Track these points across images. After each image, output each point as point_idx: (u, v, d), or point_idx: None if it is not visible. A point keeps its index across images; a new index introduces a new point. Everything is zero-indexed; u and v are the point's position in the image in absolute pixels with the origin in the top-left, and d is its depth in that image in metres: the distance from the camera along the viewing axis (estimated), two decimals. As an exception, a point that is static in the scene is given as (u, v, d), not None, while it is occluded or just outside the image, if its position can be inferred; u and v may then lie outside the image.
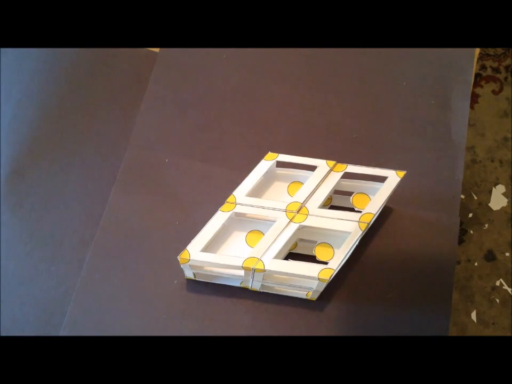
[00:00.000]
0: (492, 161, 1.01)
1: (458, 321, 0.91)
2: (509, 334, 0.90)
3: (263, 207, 0.43)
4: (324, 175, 0.44)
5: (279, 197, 0.46)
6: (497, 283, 0.93)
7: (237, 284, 0.45)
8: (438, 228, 0.48)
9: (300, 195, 0.43)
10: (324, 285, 0.41)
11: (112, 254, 0.46)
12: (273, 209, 0.43)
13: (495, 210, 0.98)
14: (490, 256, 0.95)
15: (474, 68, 0.55)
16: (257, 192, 0.45)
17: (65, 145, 0.50)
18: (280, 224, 0.42)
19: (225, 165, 0.50)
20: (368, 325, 0.44)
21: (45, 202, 0.48)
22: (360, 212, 0.43)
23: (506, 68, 1.07)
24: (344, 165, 0.45)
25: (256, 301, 0.45)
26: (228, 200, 0.43)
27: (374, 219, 0.43)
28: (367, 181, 0.45)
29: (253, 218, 0.44)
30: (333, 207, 0.48)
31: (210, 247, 0.43)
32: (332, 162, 0.45)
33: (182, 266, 0.42)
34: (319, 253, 0.44)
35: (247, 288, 0.45)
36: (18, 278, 0.45)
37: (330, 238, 0.44)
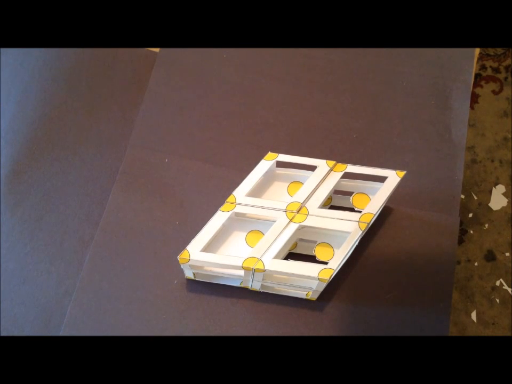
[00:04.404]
0: (492, 161, 1.01)
1: (458, 321, 0.91)
2: (509, 334, 0.90)
3: (263, 207, 0.43)
4: (324, 175, 0.44)
5: (279, 197, 0.46)
6: (497, 283, 0.93)
7: (237, 284, 0.45)
8: (438, 228, 0.48)
9: (300, 195, 0.43)
10: (324, 285, 0.41)
11: (112, 254, 0.46)
12: (273, 209, 0.43)
13: (495, 210, 0.98)
14: (490, 256, 0.95)
15: (474, 68, 0.55)
16: (257, 192, 0.45)
17: (65, 145, 0.50)
18: (280, 224, 0.42)
19: (225, 165, 0.50)
20: (368, 325, 0.44)
21: (45, 202, 0.48)
22: (360, 212, 0.43)
23: (506, 68, 1.07)
24: (344, 165, 0.45)
25: (256, 301, 0.45)
26: (227, 200, 0.43)
27: (374, 219, 0.43)
28: (367, 181, 0.45)
29: (253, 218, 0.44)
30: (333, 207, 0.48)
31: (210, 247, 0.43)
32: (332, 162, 0.45)
33: (182, 266, 0.42)
34: (319, 253, 0.44)
35: (247, 288, 0.45)
36: (18, 278, 0.46)
37: (330, 238, 0.44)
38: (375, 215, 0.43)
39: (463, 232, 0.97)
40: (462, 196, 0.98)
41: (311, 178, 0.44)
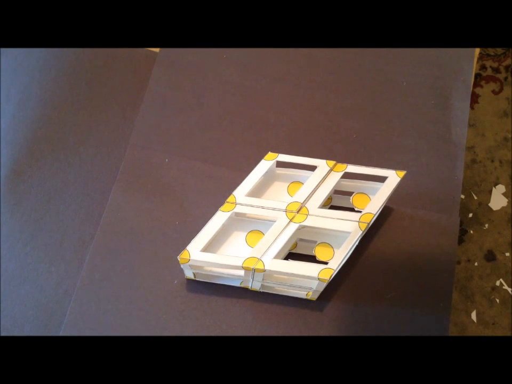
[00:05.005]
0: (492, 161, 1.01)
1: (458, 321, 0.91)
2: (509, 334, 0.90)
3: (263, 207, 0.43)
4: (324, 175, 0.44)
5: (279, 197, 0.46)
6: (497, 283, 0.93)
7: (237, 284, 0.45)
8: (438, 228, 0.48)
9: (300, 195, 0.43)
10: (324, 285, 0.41)
11: (112, 254, 0.46)
12: (273, 209, 0.43)
13: (495, 210, 0.98)
14: (490, 256, 0.95)
15: (474, 68, 0.55)
16: (257, 192, 0.45)
17: (65, 145, 0.50)
18: (280, 224, 0.42)
19: (225, 165, 0.50)
20: (368, 325, 0.44)
21: (45, 202, 0.48)
22: (360, 212, 0.43)
23: (506, 68, 1.07)
24: (344, 165, 0.45)
25: (256, 301, 0.45)
26: (227, 200, 0.43)
27: (374, 219, 0.43)
28: (367, 181, 0.45)
29: (253, 218, 0.44)
30: (333, 207, 0.48)
31: (210, 247, 0.43)
32: (332, 162, 0.45)
33: (182, 266, 0.42)
34: (319, 253, 0.44)
35: (247, 288, 0.45)
36: (18, 278, 0.45)
37: (330, 238, 0.44)
38: (375, 215, 0.43)
39: (463, 232, 0.97)
40: (462, 196, 0.98)
41: (311, 178, 0.44)
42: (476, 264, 0.95)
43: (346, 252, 0.41)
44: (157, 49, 0.54)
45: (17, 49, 0.53)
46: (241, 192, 0.44)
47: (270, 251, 0.41)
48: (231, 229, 0.44)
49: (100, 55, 0.54)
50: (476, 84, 1.06)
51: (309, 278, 0.40)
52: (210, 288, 0.45)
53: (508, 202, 0.98)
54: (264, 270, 0.40)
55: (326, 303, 0.45)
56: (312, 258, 0.43)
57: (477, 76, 1.06)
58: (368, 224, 0.42)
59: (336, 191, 0.46)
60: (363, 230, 0.42)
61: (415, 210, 0.49)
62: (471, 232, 0.96)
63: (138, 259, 0.46)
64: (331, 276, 0.40)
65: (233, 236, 0.44)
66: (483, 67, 1.07)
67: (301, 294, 0.44)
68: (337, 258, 0.41)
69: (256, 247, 0.41)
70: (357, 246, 0.42)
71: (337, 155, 0.51)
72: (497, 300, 0.92)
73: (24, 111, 0.51)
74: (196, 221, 0.47)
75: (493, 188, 0.99)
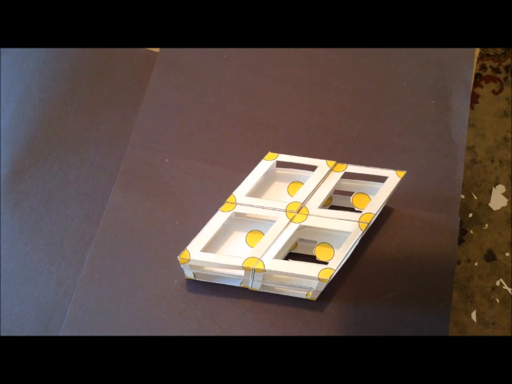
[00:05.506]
0: (492, 161, 1.01)
1: (458, 321, 0.91)
2: (509, 334, 0.90)
3: (263, 207, 0.43)
4: (324, 175, 0.44)
5: (279, 197, 0.46)
6: (497, 283, 0.93)
7: (237, 284, 0.45)
8: (438, 228, 0.48)
9: (300, 195, 0.43)
10: (324, 285, 0.41)
11: (112, 254, 0.46)
12: (273, 209, 0.43)
13: (495, 210, 0.98)
14: (490, 256, 0.95)
15: (474, 68, 0.55)
16: (257, 192, 0.45)
17: (65, 145, 0.50)
18: (280, 224, 0.42)
19: (225, 165, 0.50)
20: (368, 325, 0.44)
21: (45, 202, 0.48)
22: (360, 212, 0.43)
23: (506, 68, 1.07)
24: (344, 165, 0.45)
25: (256, 301, 0.45)
26: (228, 200, 0.43)
27: (374, 219, 0.43)
28: (367, 181, 0.45)
29: (253, 218, 0.44)
30: (333, 207, 0.48)
31: (210, 247, 0.43)
32: (332, 162, 0.45)
33: (182, 266, 0.42)
34: (319, 253, 0.44)
35: (247, 288, 0.45)
36: (18, 278, 0.45)
37: (330, 238, 0.44)
38: (375, 215, 0.43)
39: (463, 232, 0.97)
40: (462, 196, 0.98)
41: (311, 178, 0.44)
42: (476, 264, 0.95)
43: (346, 252, 0.41)
44: (157, 49, 0.54)
45: (17, 49, 0.53)
46: (241, 192, 0.44)
47: (270, 251, 0.41)
48: (231, 229, 0.44)
49: (100, 55, 0.54)
50: (476, 84, 1.06)
51: (309, 278, 0.40)
52: (210, 288, 0.45)
53: (508, 202, 0.98)
54: (264, 270, 0.40)
55: (326, 303, 0.45)
56: (312, 258, 0.43)
57: (477, 75, 1.06)
58: (368, 224, 0.42)
59: (336, 191, 0.46)
60: (363, 230, 0.42)
61: (415, 210, 0.49)
62: (471, 232, 0.96)
63: (138, 259, 0.46)
64: (331, 276, 0.40)
65: (233, 236, 0.44)
66: (483, 67, 1.07)
67: (301, 294, 0.44)
68: (337, 258, 0.41)
69: (256, 247, 0.41)
70: (357, 246, 0.42)
71: (337, 155, 0.51)
72: (497, 300, 0.92)
73: (24, 111, 0.51)
74: (196, 221, 0.47)
75: (493, 188, 0.99)
